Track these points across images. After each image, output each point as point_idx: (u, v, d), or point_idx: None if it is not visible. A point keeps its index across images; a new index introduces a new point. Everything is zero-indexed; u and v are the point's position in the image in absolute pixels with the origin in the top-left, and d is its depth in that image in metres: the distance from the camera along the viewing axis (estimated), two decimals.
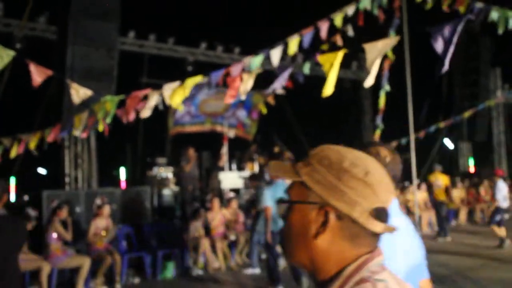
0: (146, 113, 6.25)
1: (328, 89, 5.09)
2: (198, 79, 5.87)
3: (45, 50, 11.31)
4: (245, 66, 5.94)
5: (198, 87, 6.26)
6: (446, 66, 4.82)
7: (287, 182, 5.61)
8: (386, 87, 8.55)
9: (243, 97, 5.83)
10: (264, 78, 6.24)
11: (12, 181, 12.44)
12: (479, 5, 6.41)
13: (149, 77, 13.59)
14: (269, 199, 6.60)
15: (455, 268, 7.81)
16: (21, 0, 10.32)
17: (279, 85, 5.66)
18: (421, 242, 1.95)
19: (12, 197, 12.36)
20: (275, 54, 5.91)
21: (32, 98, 10.91)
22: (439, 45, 4.80)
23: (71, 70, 8.98)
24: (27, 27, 11.28)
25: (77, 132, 7.18)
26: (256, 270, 7.88)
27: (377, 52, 5.02)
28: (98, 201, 8.01)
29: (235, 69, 5.89)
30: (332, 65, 5.05)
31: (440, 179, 11.48)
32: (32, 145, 7.64)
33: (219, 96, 13.19)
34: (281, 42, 5.95)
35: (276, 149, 12.98)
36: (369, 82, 5.20)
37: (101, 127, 6.83)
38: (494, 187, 10.02)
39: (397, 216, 1.78)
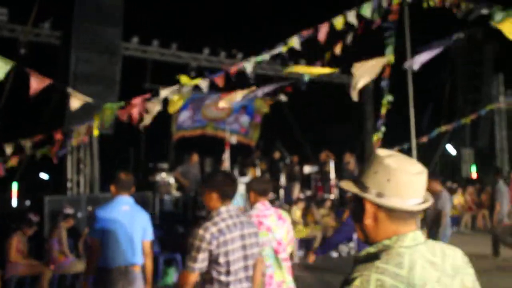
0: (147, 120, 6.27)
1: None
2: (195, 81, 5.91)
3: (50, 56, 11.37)
4: (240, 68, 6.01)
5: (200, 95, 6.34)
6: (415, 65, 4.87)
7: None
8: (388, 97, 8.52)
9: (237, 101, 5.92)
10: (264, 83, 6.28)
11: (14, 186, 12.46)
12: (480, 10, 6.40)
13: (152, 82, 13.64)
14: None
15: None
16: (25, 6, 10.39)
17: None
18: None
19: (14, 202, 12.38)
20: (267, 56, 5.97)
21: (36, 104, 10.96)
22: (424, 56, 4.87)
23: (74, 75, 9.03)
24: (31, 32, 11.34)
25: (75, 143, 7.19)
26: None
27: (365, 70, 5.07)
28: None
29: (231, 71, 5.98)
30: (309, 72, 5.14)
31: None
32: (40, 154, 7.66)
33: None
34: (280, 44, 5.99)
35: (277, 155, 13.01)
36: (354, 96, 5.25)
37: (96, 131, 6.83)
38: None
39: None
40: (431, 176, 7.60)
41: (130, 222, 3.86)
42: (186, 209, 10.28)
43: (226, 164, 11.26)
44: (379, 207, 1.43)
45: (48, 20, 11.61)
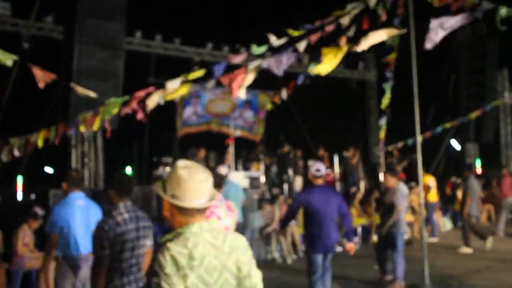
0: (150, 105, 6.25)
1: (322, 70, 5.13)
2: (200, 73, 5.89)
3: (53, 50, 11.37)
4: (246, 57, 5.98)
5: (203, 87, 6.30)
6: (430, 42, 4.84)
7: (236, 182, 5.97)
8: (387, 87, 8.42)
9: (242, 96, 5.86)
10: (268, 78, 6.24)
11: (20, 180, 12.50)
12: (486, 5, 6.33)
13: (155, 76, 13.63)
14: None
15: (460, 270, 7.77)
16: (28, 0, 10.38)
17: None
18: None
19: (19, 196, 12.43)
20: (274, 38, 5.92)
21: (40, 98, 10.96)
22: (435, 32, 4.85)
23: (77, 69, 9.03)
24: (34, 26, 11.33)
25: (83, 129, 7.17)
26: None
27: (379, 36, 5.07)
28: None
29: (237, 60, 5.95)
30: (334, 58, 5.09)
31: (432, 181, 11.40)
32: (40, 143, 7.64)
33: (225, 96, 13.20)
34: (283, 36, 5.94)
35: (286, 149, 12.96)
36: (361, 46, 5.22)
37: (97, 126, 6.80)
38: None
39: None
40: (389, 172, 7.51)
41: (87, 215, 4.36)
42: None
43: (230, 158, 11.26)
44: (173, 205, 1.93)
45: (51, 14, 11.61)
